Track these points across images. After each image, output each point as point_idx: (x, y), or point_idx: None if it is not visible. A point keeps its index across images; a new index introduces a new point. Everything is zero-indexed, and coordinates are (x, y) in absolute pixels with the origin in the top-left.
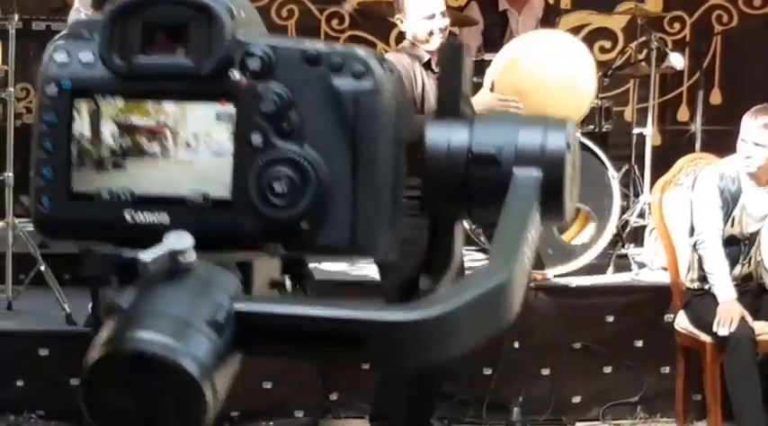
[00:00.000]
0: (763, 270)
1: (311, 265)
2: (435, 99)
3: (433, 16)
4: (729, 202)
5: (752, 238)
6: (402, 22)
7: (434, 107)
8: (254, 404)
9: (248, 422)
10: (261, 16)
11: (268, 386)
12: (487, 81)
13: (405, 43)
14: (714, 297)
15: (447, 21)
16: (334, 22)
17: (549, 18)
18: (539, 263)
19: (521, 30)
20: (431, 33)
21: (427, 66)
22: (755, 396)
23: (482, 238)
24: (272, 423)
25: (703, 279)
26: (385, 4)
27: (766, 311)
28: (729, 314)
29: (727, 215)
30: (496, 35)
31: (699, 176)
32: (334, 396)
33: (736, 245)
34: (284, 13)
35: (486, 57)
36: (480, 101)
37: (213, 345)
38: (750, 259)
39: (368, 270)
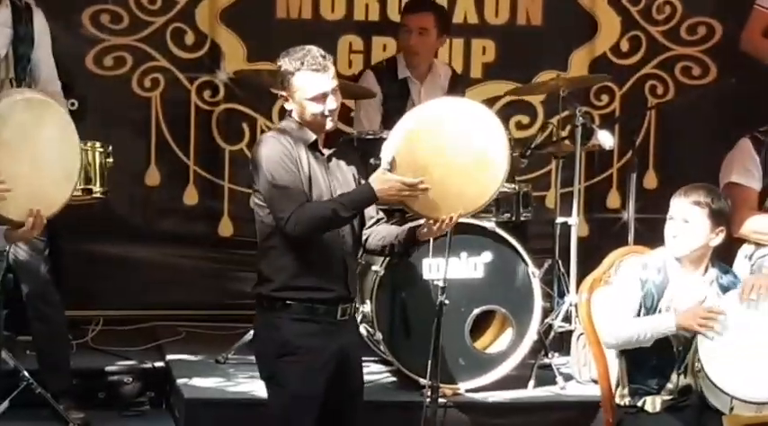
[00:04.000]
0: (704, 379)
1: (182, 381)
2: (324, 182)
3: (324, 96)
4: (654, 294)
5: (687, 342)
6: (287, 100)
7: (324, 190)
8: None
9: None
10: (119, 87)
11: None
12: (386, 158)
13: (287, 122)
14: (648, 414)
15: (339, 100)
16: (207, 94)
17: (457, 88)
18: (449, 376)
19: (424, 101)
20: (322, 115)
21: (313, 147)
22: None
23: (381, 347)
24: None
25: (635, 393)
26: (266, 73)
27: None
28: (694, 315)
29: (653, 309)
30: (397, 106)
31: (620, 266)
32: None
33: (669, 349)
34: (147, 82)
35: (386, 135)
36: (383, 189)
37: None
38: (687, 366)
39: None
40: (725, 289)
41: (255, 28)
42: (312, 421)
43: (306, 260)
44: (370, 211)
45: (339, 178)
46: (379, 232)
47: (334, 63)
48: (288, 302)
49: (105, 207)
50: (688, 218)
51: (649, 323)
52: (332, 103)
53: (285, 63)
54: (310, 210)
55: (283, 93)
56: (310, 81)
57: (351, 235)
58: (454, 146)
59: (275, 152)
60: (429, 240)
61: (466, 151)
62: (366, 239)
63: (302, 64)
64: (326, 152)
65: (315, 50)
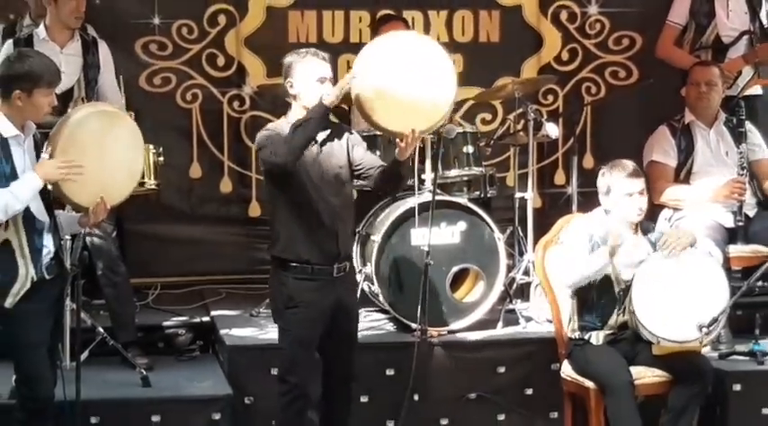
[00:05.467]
0: (636, 320)
1: (224, 331)
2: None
3: (323, 80)
4: (599, 244)
5: (627, 288)
6: (292, 85)
7: (321, 176)
8: None
9: None
10: (166, 101)
11: None
12: (351, 74)
13: (284, 119)
14: (593, 345)
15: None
16: (236, 104)
17: None
18: (434, 321)
19: None
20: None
21: None
22: None
23: (381, 299)
24: None
25: (583, 328)
26: (282, 87)
27: (642, 357)
28: (616, 233)
29: None
30: None
31: (569, 227)
32: None
33: (611, 293)
34: (188, 96)
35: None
36: (329, 98)
37: None
38: (625, 308)
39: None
40: (653, 244)
41: (273, 50)
42: (311, 357)
43: (300, 227)
44: (373, 161)
45: (330, 159)
46: (377, 170)
47: (335, 78)
48: (291, 264)
49: (158, 196)
50: (641, 189)
51: (589, 258)
52: (329, 88)
53: (292, 56)
54: (280, 137)
55: (289, 79)
56: (315, 66)
57: (341, 202)
58: (408, 75)
59: (271, 132)
60: (409, 161)
61: (419, 78)
62: (374, 180)
63: (307, 54)
64: (320, 139)
65: (316, 50)
